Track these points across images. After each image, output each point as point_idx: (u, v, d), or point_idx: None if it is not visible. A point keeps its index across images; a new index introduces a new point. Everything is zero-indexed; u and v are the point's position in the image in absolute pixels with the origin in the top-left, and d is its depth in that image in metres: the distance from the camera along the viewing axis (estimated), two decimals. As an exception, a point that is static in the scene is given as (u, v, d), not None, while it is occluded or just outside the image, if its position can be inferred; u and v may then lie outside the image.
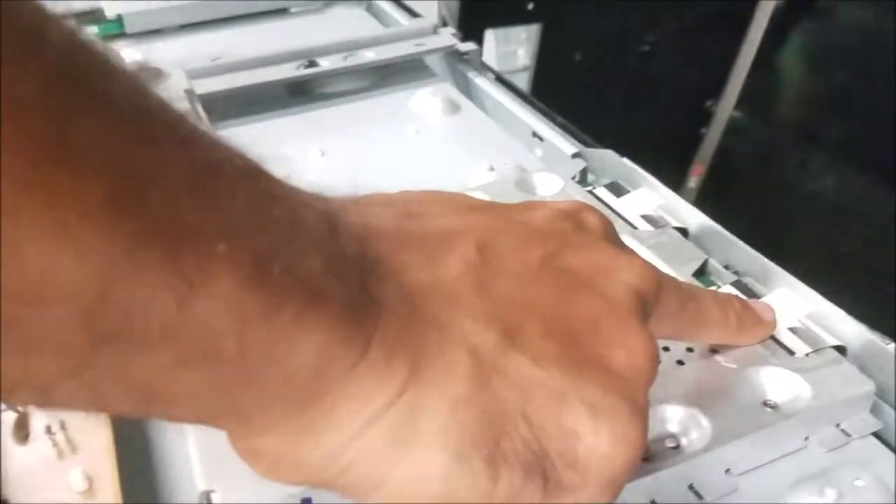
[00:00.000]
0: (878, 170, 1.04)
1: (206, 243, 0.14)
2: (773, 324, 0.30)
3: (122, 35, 0.66)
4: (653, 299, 0.23)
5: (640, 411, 0.20)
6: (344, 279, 0.17)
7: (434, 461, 0.18)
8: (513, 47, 1.39)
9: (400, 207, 0.22)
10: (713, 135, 1.16)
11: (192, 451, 0.21)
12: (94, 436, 0.28)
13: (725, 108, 1.15)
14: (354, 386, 0.17)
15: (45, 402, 0.15)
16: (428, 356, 0.18)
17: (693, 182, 1.15)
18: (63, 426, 0.28)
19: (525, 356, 0.19)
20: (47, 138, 0.12)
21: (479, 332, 0.19)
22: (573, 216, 0.24)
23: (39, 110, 0.13)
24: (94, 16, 0.66)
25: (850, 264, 1.04)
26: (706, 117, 1.17)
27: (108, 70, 0.14)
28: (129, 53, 0.62)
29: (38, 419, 0.28)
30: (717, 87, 1.16)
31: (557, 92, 1.13)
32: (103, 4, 0.67)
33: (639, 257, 0.24)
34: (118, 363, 0.14)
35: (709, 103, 1.17)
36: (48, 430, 0.28)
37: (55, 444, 0.27)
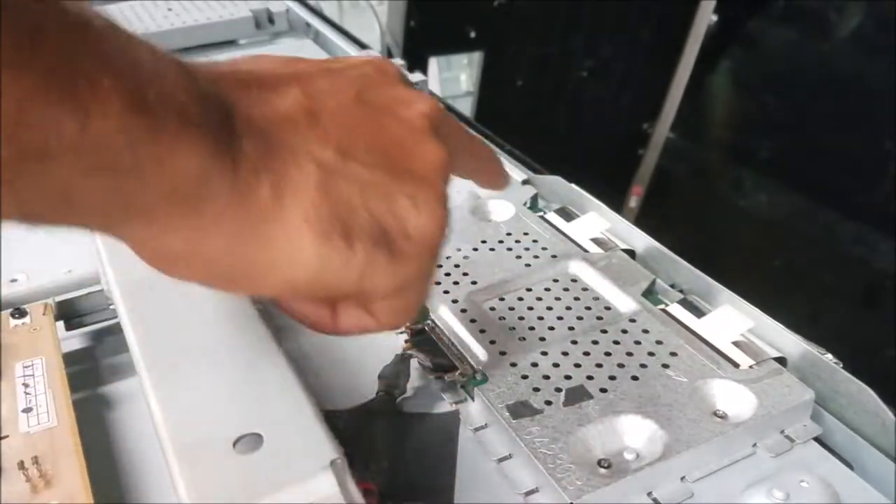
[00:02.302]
0: (806, 186, 1.09)
1: (94, 79, 0.19)
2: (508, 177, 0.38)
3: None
4: (442, 123, 0.30)
5: (443, 197, 0.27)
6: (208, 110, 0.22)
7: (306, 237, 0.24)
8: (455, 73, 1.42)
9: (233, 66, 0.27)
10: (651, 156, 1.20)
11: (178, 479, 0.22)
12: (67, 468, 0.28)
13: (662, 130, 1.20)
14: (234, 193, 0.23)
15: None
16: (286, 168, 0.24)
17: (633, 201, 1.18)
18: (36, 461, 0.28)
19: (358, 164, 0.26)
20: None
21: (321, 150, 0.25)
22: (373, 64, 0.31)
23: None
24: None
25: (781, 275, 1.09)
26: (643, 139, 1.21)
27: None
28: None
29: (9, 455, 0.28)
30: (653, 110, 1.20)
31: (500, 117, 1.16)
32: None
33: (427, 94, 0.31)
34: (39, 173, 0.19)
35: (645, 126, 1.21)
36: (21, 465, 0.28)
37: (28, 479, 0.28)
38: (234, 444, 0.22)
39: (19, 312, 0.35)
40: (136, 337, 0.27)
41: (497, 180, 0.38)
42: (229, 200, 0.23)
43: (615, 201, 1.22)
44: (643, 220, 1.14)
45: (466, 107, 1.28)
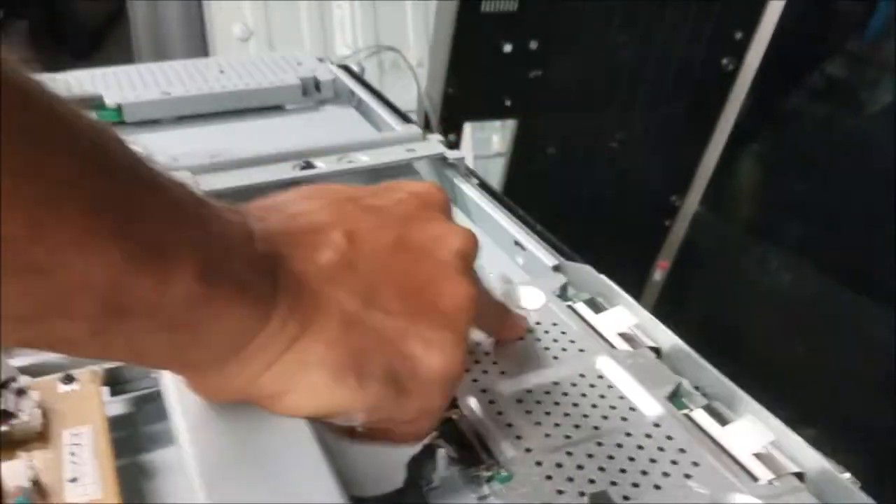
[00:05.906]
0: (834, 269, 1.09)
1: (179, 254, 0.23)
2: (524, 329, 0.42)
3: (121, 123, 0.69)
4: (474, 256, 0.33)
5: (460, 340, 0.30)
6: (261, 275, 0.27)
7: (320, 378, 0.28)
8: (488, 134, 1.44)
9: (286, 211, 0.31)
10: (678, 228, 1.21)
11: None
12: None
13: (691, 203, 1.21)
14: (262, 341, 0.27)
15: (74, 352, 0.25)
16: (311, 318, 0.28)
17: (658, 275, 1.19)
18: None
19: (380, 312, 0.29)
20: (81, 209, 0.21)
21: (347, 299, 0.29)
22: (418, 197, 0.33)
23: (77, 191, 0.20)
24: (94, 103, 0.69)
25: (805, 357, 1.08)
26: (672, 211, 1.23)
27: (106, 143, 0.22)
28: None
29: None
30: (682, 183, 1.21)
31: (531, 183, 1.18)
32: (103, 92, 0.70)
33: (464, 228, 0.33)
34: (117, 329, 0.23)
35: (674, 198, 1.23)
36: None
37: None
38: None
39: (68, 378, 0.37)
40: (185, 426, 0.29)
41: (512, 333, 0.41)
42: (259, 345, 0.27)
43: (641, 271, 1.23)
44: (667, 294, 1.15)
45: (497, 167, 1.30)
